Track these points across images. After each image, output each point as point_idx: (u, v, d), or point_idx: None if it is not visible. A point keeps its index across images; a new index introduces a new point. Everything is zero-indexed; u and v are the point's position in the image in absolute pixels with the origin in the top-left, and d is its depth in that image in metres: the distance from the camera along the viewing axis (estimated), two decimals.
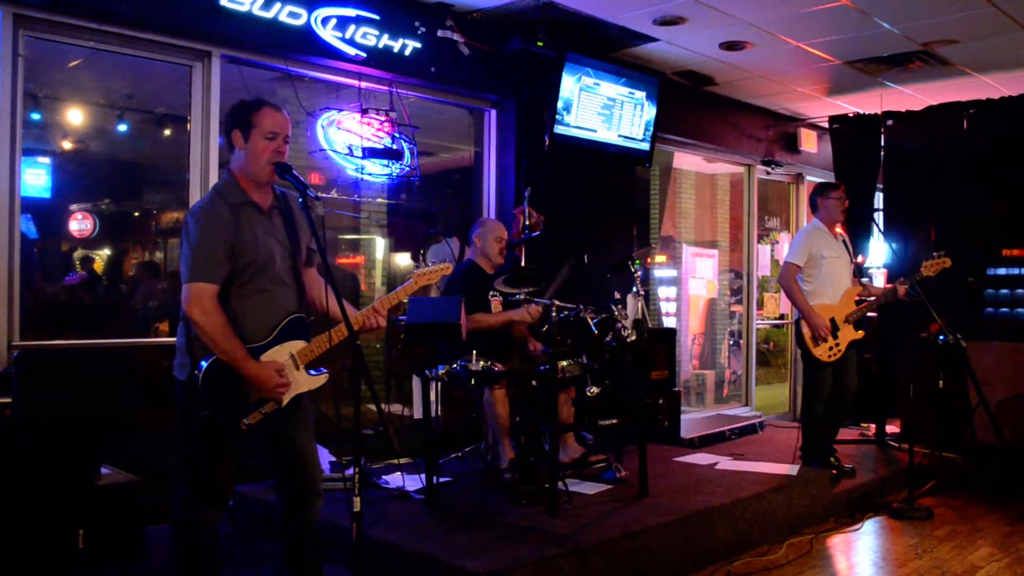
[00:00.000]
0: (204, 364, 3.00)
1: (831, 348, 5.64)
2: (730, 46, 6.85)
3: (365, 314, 3.27)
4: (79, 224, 6.80)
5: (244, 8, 5.06)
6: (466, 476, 5.21)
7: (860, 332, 5.75)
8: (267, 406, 3.08)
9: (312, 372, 3.25)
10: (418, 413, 5.66)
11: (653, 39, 6.67)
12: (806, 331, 5.64)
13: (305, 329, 3.26)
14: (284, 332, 3.18)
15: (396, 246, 8.73)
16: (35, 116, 5.88)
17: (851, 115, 8.58)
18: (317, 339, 3.24)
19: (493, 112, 6.79)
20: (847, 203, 5.92)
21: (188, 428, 3.12)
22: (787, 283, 5.73)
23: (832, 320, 5.65)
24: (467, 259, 5.51)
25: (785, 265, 5.81)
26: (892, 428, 7.24)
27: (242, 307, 3.11)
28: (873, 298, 5.87)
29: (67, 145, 6.89)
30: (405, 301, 3.77)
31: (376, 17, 5.67)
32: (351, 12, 5.52)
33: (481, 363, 4.56)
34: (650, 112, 7.11)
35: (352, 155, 5.87)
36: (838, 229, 5.93)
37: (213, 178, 5.17)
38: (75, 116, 6.74)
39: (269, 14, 5.16)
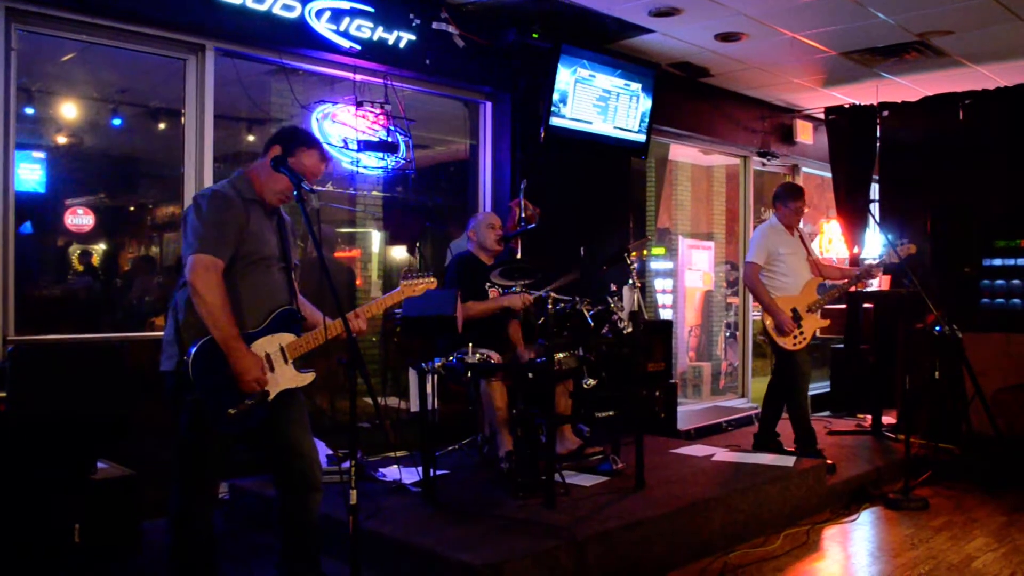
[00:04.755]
0: (193, 349, 3.02)
1: (795, 337, 5.77)
2: (725, 37, 6.84)
3: (348, 317, 3.28)
4: (74, 219, 6.77)
5: (238, 1, 5.04)
6: (463, 468, 5.22)
7: (825, 321, 5.93)
8: (253, 397, 3.09)
9: (302, 371, 3.27)
10: (414, 406, 5.65)
11: (648, 30, 6.66)
12: (769, 322, 5.81)
13: (296, 323, 3.30)
14: (276, 322, 3.22)
15: (392, 239, 8.70)
16: (28, 111, 5.84)
17: (847, 106, 8.57)
18: (307, 335, 3.28)
19: (488, 104, 6.78)
20: (805, 211, 6.13)
21: (177, 418, 3.14)
22: (751, 282, 5.92)
23: (794, 310, 5.79)
24: (465, 250, 5.51)
25: (747, 265, 5.97)
26: (888, 419, 7.25)
27: (241, 291, 3.15)
28: (846, 280, 6.04)
29: (61, 140, 6.85)
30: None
31: (370, 9, 5.65)
32: (345, 4, 5.51)
33: (477, 355, 4.57)
34: (646, 104, 7.10)
35: (347, 148, 5.86)
36: (798, 227, 6.11)
37: (207, 172, 5.17)
38: (69, 110, 6.70)
39: (263, 7, 5.15)
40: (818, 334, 5.90)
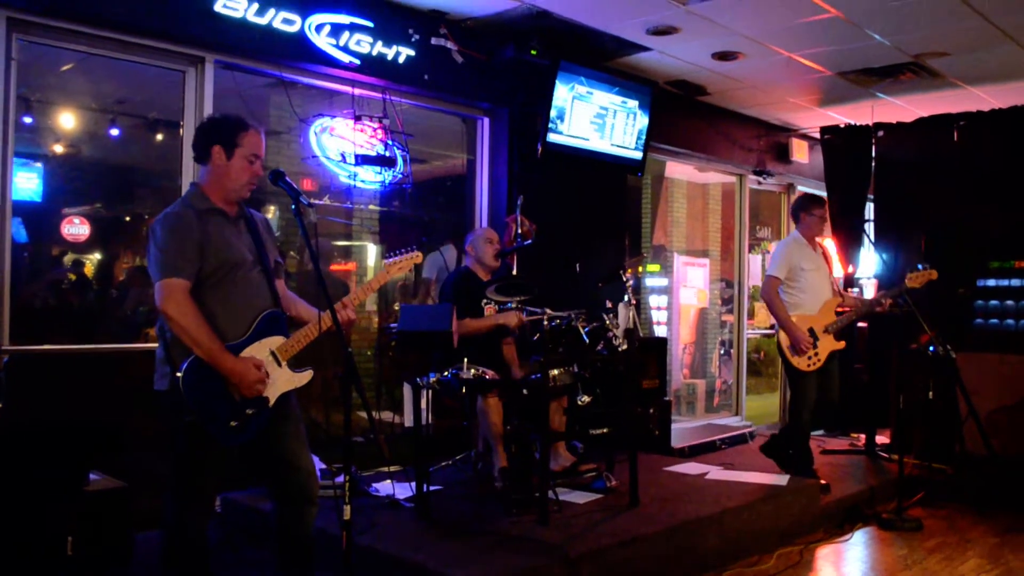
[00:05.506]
0: (185, 364, 2.99)
1: (809, 358, 5.66)
2: (722, 56, 6.88)
3: (336, 308, 3.25)
4: (71, 228, 6.77)
5: (238, 14, 5.06)
6: (456, 484, 5.20)
7: (841, 343, 5.78)
8: (252, 406, 3.07)
9: (297, 371, 3.25)
10: (409, 421, 5.64)
11: (646, 48, 6.69)
12: (784, 341, 5.68)
13: (282, 325, 3.25)
14: (261, 328, 3.18)
15: (388, 253, 8.71)
16: (27, 120, 5.86)
17: (842, 126, 8.62)
18: (297, 334, 3.25)
19: (486, 120, 6.80)
20: (828, 220, 5.94)
21: (174, 438, 3.11)
22: (769, 296, 5.76)
23: (811, 330, 5.68)
24: (462, 266, 5.52)
25: (767, 278, 5.82)
26: (882, 439, 7.26)
27: (217, 306, 3.11)
28: (851, 310, 5.91)
29: (59, 149, 6.87)
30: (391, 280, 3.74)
31: (370, 24, 5.68)
32: (345, 19, 5.53)
33: (472, 371, 4.57)
34: (642, 121, 7.13)
35: (345, 162, 5.87)
36: (820, 239, 6.00)
37: None
38: (67, 120, 6.73)
39: (263, 20, 5.16)
40: None
